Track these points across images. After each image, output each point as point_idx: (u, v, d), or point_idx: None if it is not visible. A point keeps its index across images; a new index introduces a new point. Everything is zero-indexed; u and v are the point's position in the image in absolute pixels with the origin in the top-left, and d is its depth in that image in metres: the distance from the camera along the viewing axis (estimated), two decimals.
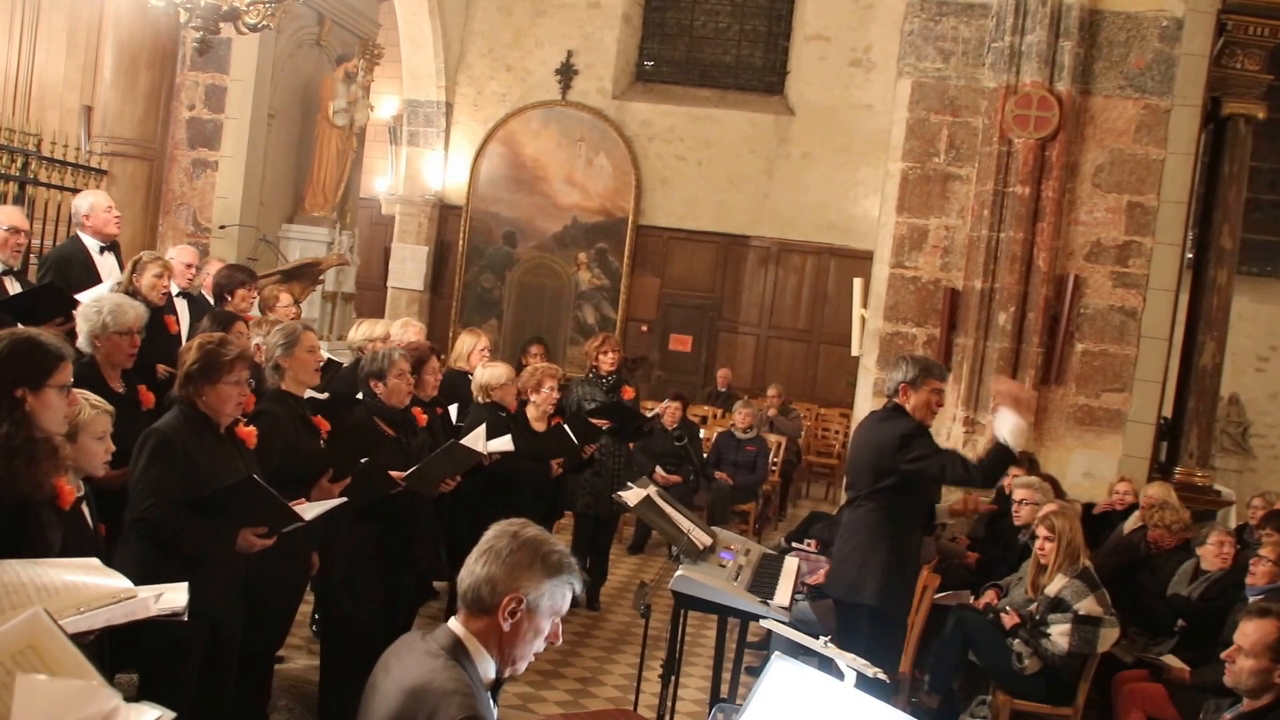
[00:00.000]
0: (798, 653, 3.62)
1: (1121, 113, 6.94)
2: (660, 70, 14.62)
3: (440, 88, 14.16)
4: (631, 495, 4.73)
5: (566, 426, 5.62)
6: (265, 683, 4.27)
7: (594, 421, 6.11)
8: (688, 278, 14.20)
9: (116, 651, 2.99)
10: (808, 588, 5.44)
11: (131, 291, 4.99)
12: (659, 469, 8.48)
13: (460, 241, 14.44)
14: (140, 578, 2.61)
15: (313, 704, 4.66)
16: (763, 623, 4.02)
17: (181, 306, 5.76)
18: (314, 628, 5.59)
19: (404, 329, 6.02)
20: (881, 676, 3.13)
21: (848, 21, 13.63)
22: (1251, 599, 4.75)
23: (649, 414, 8.79)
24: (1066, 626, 4.85)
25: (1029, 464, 6.03)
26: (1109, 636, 4.89)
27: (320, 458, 4.04)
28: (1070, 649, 4.84)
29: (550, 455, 5.54)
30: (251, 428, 3.62)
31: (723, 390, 12.63)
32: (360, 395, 4.60)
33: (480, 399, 5.48)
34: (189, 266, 5.93)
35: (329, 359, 5.47)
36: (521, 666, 2.13)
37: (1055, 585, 4.97)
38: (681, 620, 4.45)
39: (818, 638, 3.40)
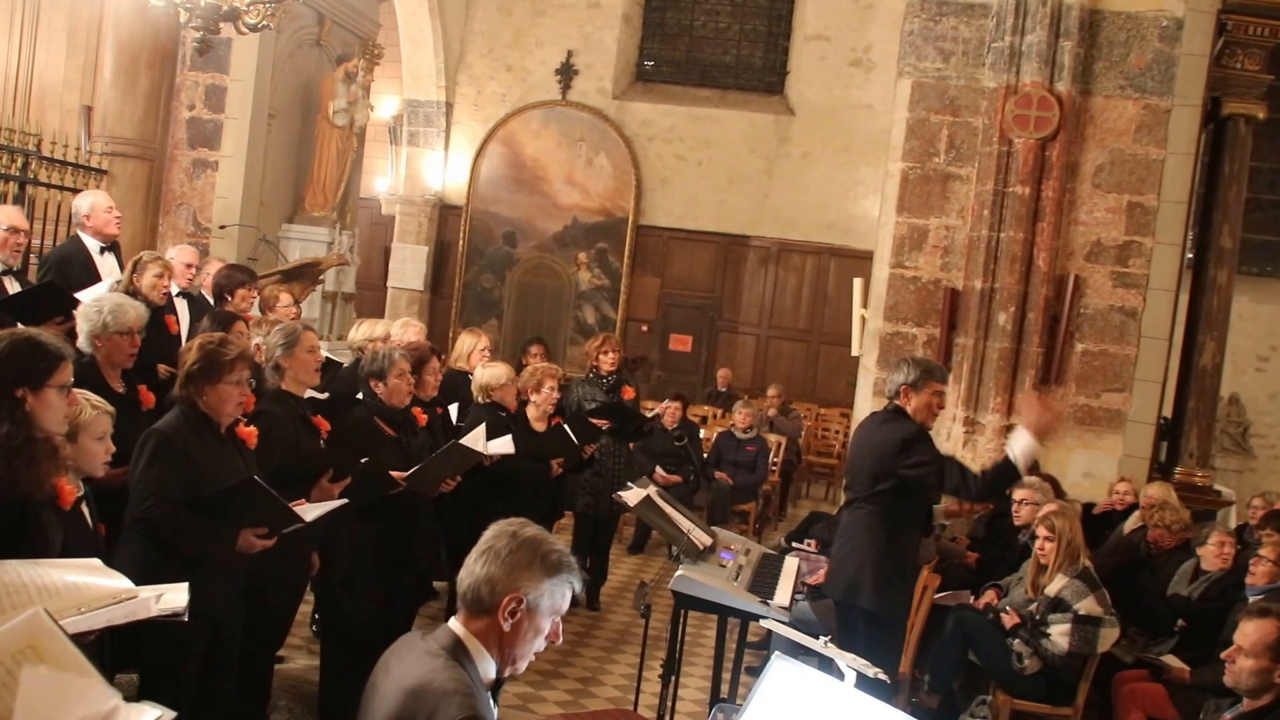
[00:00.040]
0: (798, 653, 3.62)
1: (1122, 113, 6.94)
2: (660, 70, 14.62)
3: (440, 88, 14.16)
4: (631, 495, 4.73)
5: (566, 426, 5.62)
6: (265, 683, 4.27)
7: (594, 421, 6.11)
8: (688, 278, 14.20)
9: (117, 651, 2.99)
10: (808, 588, 5.44)
11: (132, 291, 4.99)
12: (659, 469, 8.48)
13: (460, 241, 14.44)
14: (140, 578, 2.61)
15: (313, 704, 4.66)
16: (763, 623, 4.02)
17: (181, 306, 5.76)
18: (314, 628, 5.59)
19: (404, 329, 6.02)
20: (882, 676, 3.14)
21: (848, 21, 13.63)
22: (1251, 599, 4.75)
23: (649, 414, 8.79)
24: (1066, 626, 4.85)
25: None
26: (1109, 636, 4.89)
27: (320, 458, 4.04)
28: (1070, 649, 4.84)
29: (550, 455, 5.55)
30: (252, 428, 3.63)
31: (723, 390, 12.63)
32: (360, 395, 4.60)
33: (480, 399, 5.48)
34: (189, 266, 5.93)
35: (329, 359, 5.47)
36: (522, 666, 2.13)
37: (1055, 585, 4.97)
38: (681, 620, 4.45)
39: (818, 638, 3.40)
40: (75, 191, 7.54)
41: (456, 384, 5.82)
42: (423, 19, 13.49)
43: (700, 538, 4.51)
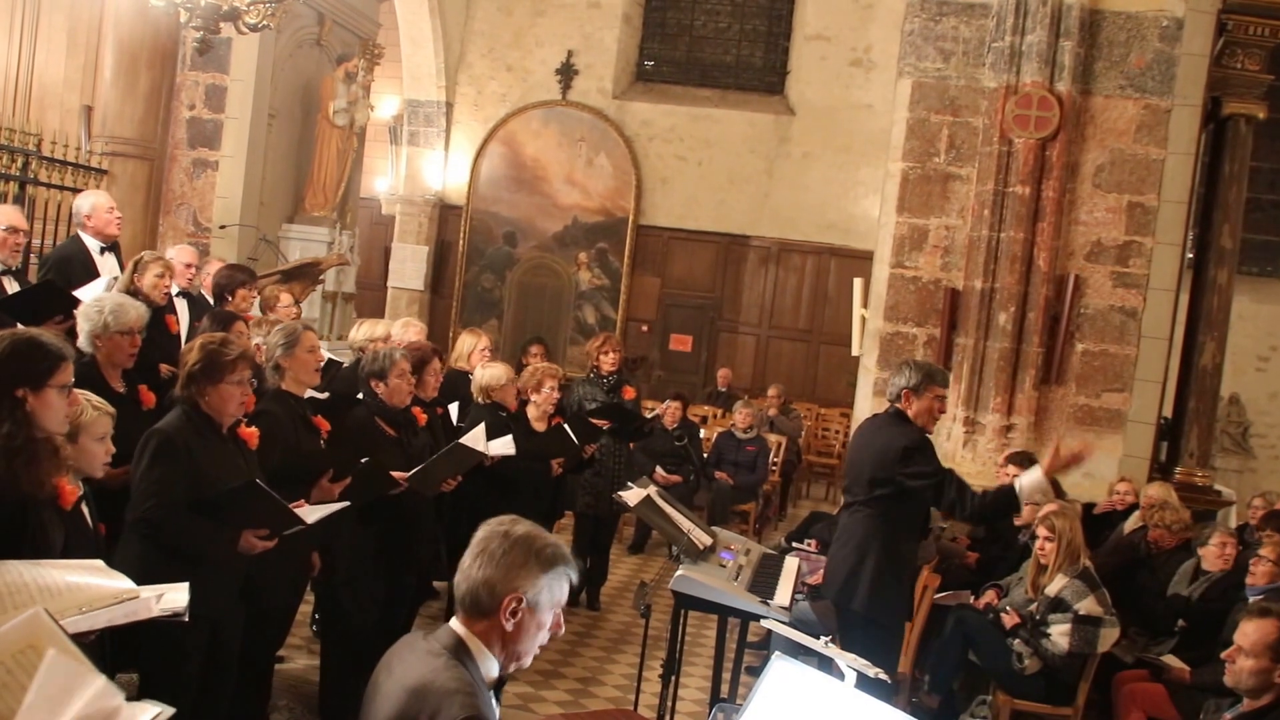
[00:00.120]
0: (798, 653, 3.62)
1: (1122, 113, 6.94)
2: (660, 70, 14.62)
3: (440, 88, 14.16)
4: (632, 495, 4.73)
5: (567, 426, 5.63)
6: (265, 683, 4.27)
7: (594, 421, 6.11)
8: (688, 278, 14.20)
9: (117, 651, 2.99)
10: (808, 588, 5.44)
11: (133, 291, 5.00)
12: (659, 469, 8.49)
13: (460, 241, 14.45)
14: (141, 578, 2.61)
15: (313, 704, 4.66)
16: (763, 623, 4.02)
17: (181, 306, 5.76)
18: (314, 628, 5.59)
19: (405, 329, 6.02)
20: (883, 676, 3.14)
21: (848, 21, 13.63)
22: (1251, 599, 4.76)
23: (649, 414, 8.80)
24: (1067, 626, 4.86)
25: (1029, 464, 6.02)
26: (1109, 636, 4.89)
27: (320, 458, 4.04)
28: (1070, 649, 4.84)
29: (551, 455, 5.55)
30: (253, 428, 3.63)
31: (723, 390, 12.63)
32: (360, 395, 4.60)
33: (480, 400, 5.48)
34: (189, 266, 5.93)
35: (330, 359, 5.47)
36: (528, 661, 2.13)
37: (1055, 585, 4.97)
38: (681, 620, 4.45)
39: (818, 638, 3.41)
40: (75, 191, 7.54)
41: (457, 384, 5.82)
42: (423, 19, 13.49)
43: (700, 538, 4.51)
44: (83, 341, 3.94)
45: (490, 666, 2.07)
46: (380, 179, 14.82)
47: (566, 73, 14.17)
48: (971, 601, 5.39)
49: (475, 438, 4.66)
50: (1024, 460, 6.02)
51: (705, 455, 9.17)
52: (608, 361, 6.76)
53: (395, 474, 4.29)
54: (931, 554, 5.63)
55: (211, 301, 5.85)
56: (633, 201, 13.99)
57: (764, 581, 4.38)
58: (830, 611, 4.69)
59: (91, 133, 9.05)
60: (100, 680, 1.64)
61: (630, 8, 14.29)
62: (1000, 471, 6.04)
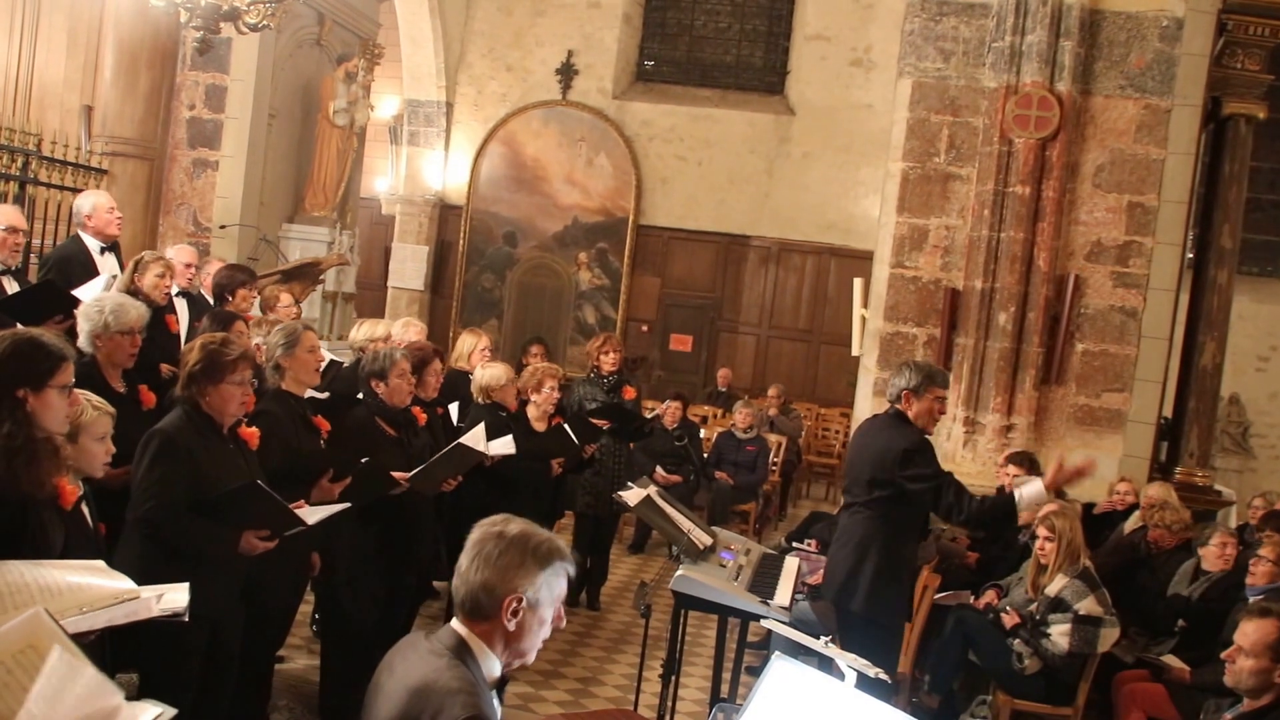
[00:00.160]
0: (798, 653, 3.63)
1: (1122, 113, 6.94)
2: (660, 70, 14.62)
3: (440, 87, 14.16)
4: (632, 495, 4.73)
5: (567, 426, 5.63)
6: (265, 683, 4.27)
7: (594, 421, 6.11)
8: (688, 278, 14.20)
9: (117, 651, 2.99)
10: (808, 588, 5.44)
11: (133, 291, 5.00)
12: (659, 469, 8.49)
13: (460, 241, 14.45)
14: (141, 578, 2.61)
15: (313, 704, 4.66)
16: (763, 623, 4.02)
17: (181, 306, 5.76)
18: (314, 628, 5.59)
19: (405, 329, 6.02)
20: (883, 676, 3.14)
21: (848, 21, 13.63)
22: (1251, 599, 4.76)
23: (649, 414, 8.80)
24: (1067, 626, 4.86)
25: (1029, 464, 6.03)
26: (1109, 636, 4.89)
27: (320, 458, 4.04)
28: (1070, 649, 4.84)
29: (551, 455, 5.55)
30: (254, 429, 3.63)
31: (723, 390, 12.64)
32: (360, 395, 4.60)
33: (480, 400, 5.48)
34: (188, 266, 5.93)
35: (331, 359, 5.48)
36: (531, 657, 2.14)
37: (1055, 585, 4.97)
38: (682, 620, 4.45)
39: (818, 638, 3.41)
40: (75, 191, 7.54)
41: (457, 384, 5.82)
42: (423, 19, 13.49)
43: (700, 538, 4.51)
44: (83, 341, 3.94)
45: (492, 666, 2.07)
46: (380, 179, 14.83)
47: (566, 73, 14.17)
48: (971, 601, 5.39)
49: (475, 437, 4.67)
50: (1024, 460, 6.03)
51: (705, 455, 9.17)
52: (608, 361, 6.76)
53: (396, 474, 4.29)
54: (931, 554, 5.63)
55: (211, 301, 5.85)
56: (633, 201, 13.99)
57: (764, 581, 4.38)
58: (830, 611, 4.69)
59: (91, 133, 9.05)
60: (100, 680, 1.64)
61: (630, 8, 14.29)
62: (1000, 471, 6.05)
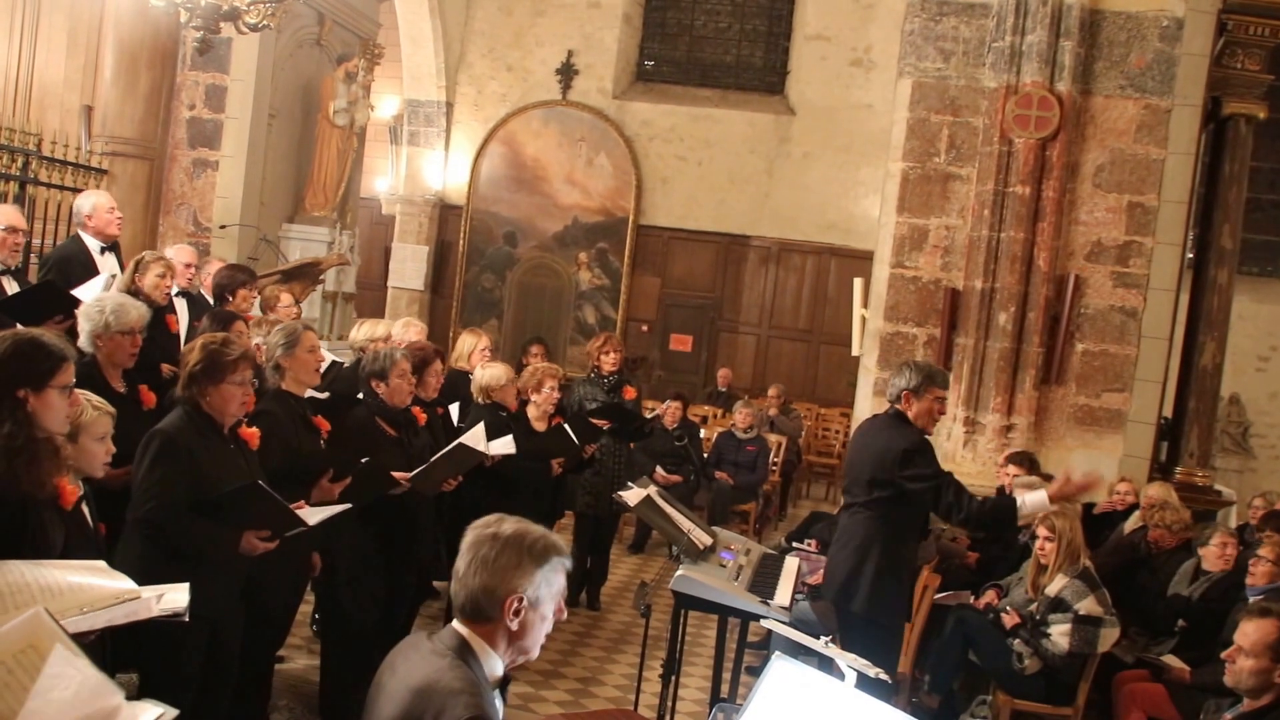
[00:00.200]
0: (798, 653, 3.63)
1: (1122, 113, 6.94)
2: (660, 70, 14.62)
3: (440, 87, 14.16)
4: (632, 495, 4.73)
5: (567, 426, 5.63)
6: (265, 683, 4.27)
7: (594, 421, 6.11)
8: (688, 278, 14.20)
9: (117, 651, 2.99)
10: (808, 588, 5.44)
11: (134, 291, 5.00)
12: (659, 469, 8.49)
13: (460, 241, 14.45)
14: (141, 578, 2.61)
15: (313, 704, 4.66)
16: (763, 623, 4.02)
17: (180, 306, 5.76)
18: (314, 628, 5.59)
19: (405, 329, 6.02)
20: (883, 676, 3.14)
21: (848, 21, 13.63)
22: (1251, 599, 4.76)
23: (650, 414, 8.79)
24: (1067, 626, 4.86)
25: (1029, 464, 6.03)
26: (1109, 636, 4.89)
27: (320, 458, 4.04)
28: (1070, 649, 4.84)
29: (551, 455, 5.55)
30: (254, 429, 3.63)
31: (723, 390, 12.64)
32: (361, 395, 4.60)
33: (480, 400, 5.48)
34: (188, 266, 5.93)
35: (333, 360, 5.48)
36: (536, 653, 2.15)
37: (1055, 585, 4.97)
38: (682, 620, 4.45)
39: (818, 638, 3.41)
40: (75, 191, 7.54)
41: (457, 384, 5.82)
42: (423, 19, 13.49)
43: (700, 538, 4.51)
44: (84, 341, 3.94)
45: (494, 665, 2.08)
46: (380, 179, 14.82)
47: (566, 73, 14.17)
48: (971, 601, 5.39)
49: (475, 437, 4.67)
50: (1024, 460, 6.03)
51: (705, 455, 9.17)
52: (608, 361, 6.76)
53: (396, 474, 4.29)
54: (931, 554, 5.62)
55: (211, 301, 5.85)
56: (633, 201, 13.99)
57: (764, 581, 4.38)
58: (830, 612, 4.69)
59: (91, 133, 9.05)
60: (100, 680, 1.65)
61: (630, 8, 14.29)
62: (1000, 471, 6.05)
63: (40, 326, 3.51)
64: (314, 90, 10.66)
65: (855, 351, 7.92)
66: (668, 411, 8.85)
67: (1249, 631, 3.42)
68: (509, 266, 14.40)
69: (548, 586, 2.09)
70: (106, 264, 5.75)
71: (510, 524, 2.11)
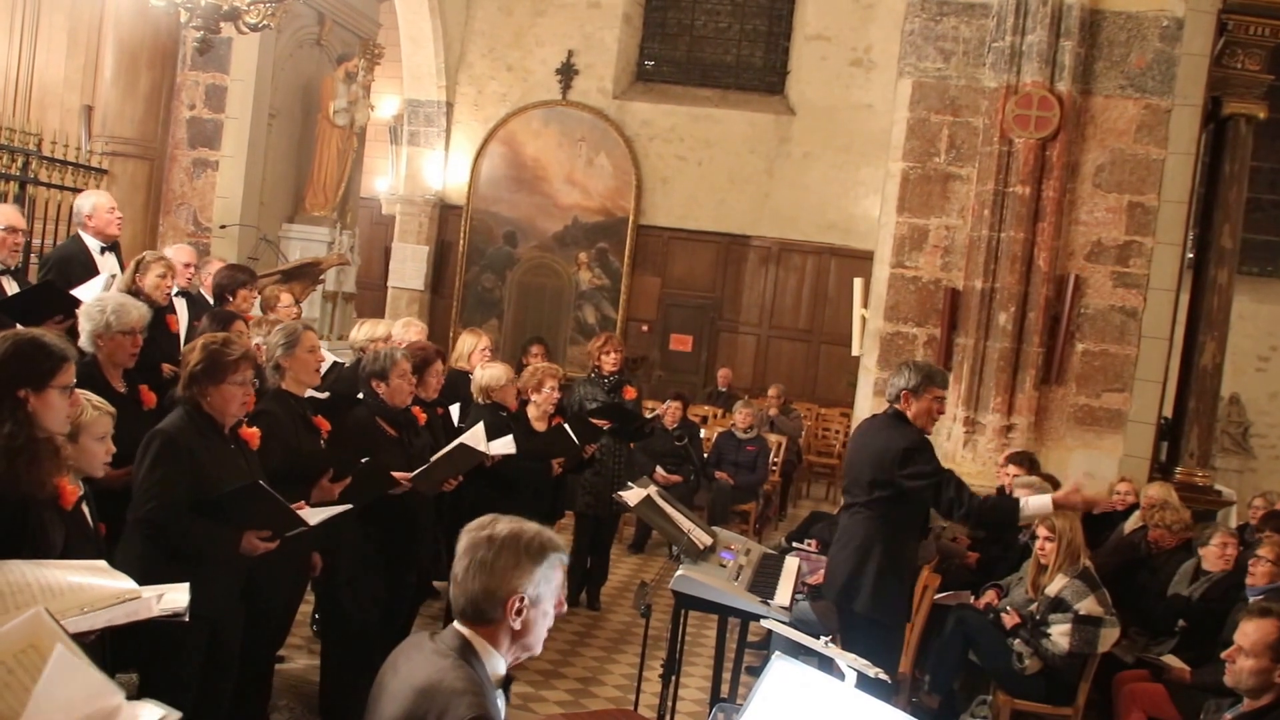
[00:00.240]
0: (798, 653, 3.63)
1: (1122, 113, 6.94)
2: (661, 70, 14.62)
3: (440, 87, 14.16)
4: (632, 495, 4.74)
5: (567, 426, 5.63)
6: (265, 683, 4.27)
7: (595, 421, 6.11)
8: (688, 278, 14.20)
9: (117, 651, 2.99)
10: (808, 588, 5.45)
11: (134, 291, 5.00)
12: (659, 469, 8.49)
13: (460, 241, 14.45)
14: (141, 578, 2.61)
15: (313, 704, 4.66)
16: (763, 623, 4.02)
17: (180, 306, 5.76)
18: (314, 628, 5.59)
19: (406, 329, 6.02)
20: (883, 676, 3.14)
21: (848, 21, 13.63)
22: (1251, 599, 4.76)
23: (650, 414, 8.79)
24: (1067, 626, 4.86)
25: (1029, 464, 6.03)
26: (1109, 636, 4.89)
27: (320, 458, 4.04)
28: (1071, 649, 4.84)
29: (551, 455, 5.55)
30: (254, 429, 3.63)
31: (723, 390, 12.64)
32: (361, 395, 4.60)
33: (480, 400, 5.48)
34: (188, 266, 5.93)
35: (333, 361, 5.48)
36: (539, 648, 2.17)
37: (1055, 585, 4.97)
38: (682, 620, 4.45)
39: (818, 638, 3.41)
40: (75, 191, 7.54)
41: (457, 384, 5.82)
42: (423, 19, 13.49)
43: (700, 538, 4.51)
44: (84, 341, 3.94)
45: (497, 665, 2.08)
46: (380, 179, 14.82)
47: (567, 73, 14.17)
48: (971, 601, 5.39)
49: (475, 437, 4.67)
50: (1024, 460, 6.03)
51: (705, 455, 9.17)
52: (609, 361, 6.76)
53: (397, 474, 4.29)
54: (931, 554, 5.63)
55: (211, 301, 5.85)
56: (633, 201, 13.99)
57: (764, 581, 4.38)
58: (831, 611, 4.69)
59: (91, 133, 9.05)
60: (101, 680, 1.65)
61: (630, 8, 14.29)
62: (1000, 471, 6.05)
63: (40, 326, 3.51)
64: (314, 90, 10.66)
65: (855, 351, 7.92)
66: (668, 411, 8.85)
67: (1249, 631, 3.42)
68: (509, 266, 14.41)
69: (547, 583, 2.10)
70: (106, 264, 5.75)
71: (504, 524, 2.12)
